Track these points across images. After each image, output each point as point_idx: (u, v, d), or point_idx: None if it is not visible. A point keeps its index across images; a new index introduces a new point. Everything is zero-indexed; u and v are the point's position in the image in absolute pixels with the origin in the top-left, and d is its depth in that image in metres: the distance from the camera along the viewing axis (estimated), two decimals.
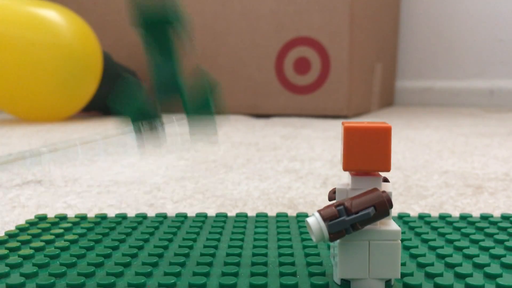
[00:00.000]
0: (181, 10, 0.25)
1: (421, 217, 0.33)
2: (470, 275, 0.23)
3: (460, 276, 0.23)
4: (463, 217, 0.33)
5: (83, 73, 1.10)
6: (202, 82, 0.23)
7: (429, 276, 0.23)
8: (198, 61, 1.36)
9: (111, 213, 0.38)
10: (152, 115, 0.24)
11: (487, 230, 0.29)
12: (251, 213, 0.38)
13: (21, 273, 0.23)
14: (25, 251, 0.26)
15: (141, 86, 0.23)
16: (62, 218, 0.33)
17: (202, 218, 0.33)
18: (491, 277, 0.23)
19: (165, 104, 0.25)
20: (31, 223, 0.32)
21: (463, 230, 0.29)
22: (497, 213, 0.37)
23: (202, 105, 0.23)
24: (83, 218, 0.33)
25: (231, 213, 0.38)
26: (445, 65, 1.74)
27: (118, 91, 0.23)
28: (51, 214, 0.38)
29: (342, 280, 0.22)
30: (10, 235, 0.30)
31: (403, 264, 0.24)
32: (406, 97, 1.80)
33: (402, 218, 0.33)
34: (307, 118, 1.23)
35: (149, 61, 0.23)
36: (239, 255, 0.26)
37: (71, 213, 0.38)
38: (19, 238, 0.29)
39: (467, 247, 0.27)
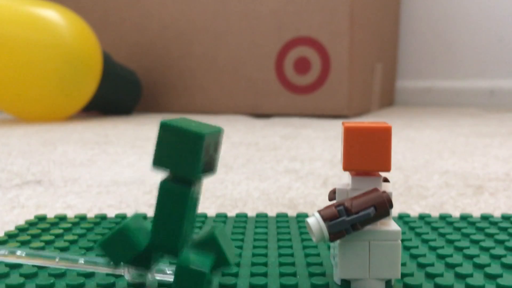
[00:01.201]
0: (216, 159, 0.20)
1: (422, 217, 0.33)
2: (471, 275, 0.23)
3: (460, 276, 0.23)
4: (464, 217, 0.33)
5: (83, 73, 1.10)
6: (202, 266, 0.19)
7: (430, 276, 0.23)
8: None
9: (111, 213, 0.38)
10: (143, 265, 0.20)
11: (487, 230, 0.29)
12: (251, 213, 0.38)
13: (21, 273, 0.23)
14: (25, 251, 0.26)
15: (136, 243, 0.19)
16: (62, 218, 0.33)
17: (202, 218, 0.33)
18: (491, 277, 0.23)
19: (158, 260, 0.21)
20: (30, 224, 0.32)
21: (463, 230, 0.29)
22: (497, 213, 0.37)
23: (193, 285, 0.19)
24: (82, 218, 0.33)
25: (231, 213, 0.38)
26: (445, 65, 1.74)
27: (112, 237, 0.19)
28: (50, 214, 0.38)
29: (342, 280, 0.22)
30: (10, 236, 0.29)
31: (403, 264, 0.24)
32: (406, 97, 1.79)
33: (402, 218, 0.33)
34: (307, 118, 1.23)
35: (155, 211, 0.20)
36: (239, 255, 0.26)
37: (70, 213, 0.38)
38: (19, 238, 0.29)
39: (468, 247, 0.27)
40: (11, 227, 0.35)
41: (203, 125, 0.19)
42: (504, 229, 0.30)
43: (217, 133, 0.20)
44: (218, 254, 0.19)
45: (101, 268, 0.22)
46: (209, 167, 0.19)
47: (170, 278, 0.22)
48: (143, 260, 0.20)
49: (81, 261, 0.22)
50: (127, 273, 0.21)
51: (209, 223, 0.32)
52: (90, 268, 0.22)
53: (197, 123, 0.19)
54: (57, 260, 0.23)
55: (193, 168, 0.18)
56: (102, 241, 0.19)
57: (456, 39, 1.71)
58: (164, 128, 0.19)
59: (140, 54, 1.43)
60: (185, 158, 0.18)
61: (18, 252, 0.23)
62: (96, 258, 0.23)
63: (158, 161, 0.19)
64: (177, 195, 0.19)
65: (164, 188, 0.19)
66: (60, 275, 0.23)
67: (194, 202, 0.20)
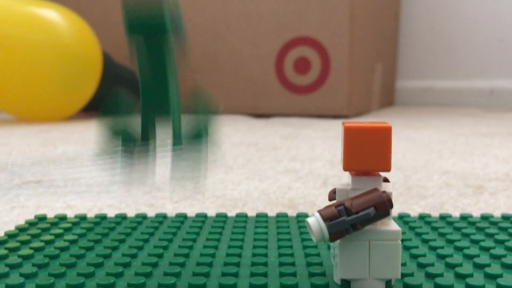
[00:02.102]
0: (179, 15, 0.22)
1: (422, 217, 0.33)
2: (471, 275, 0.23)
3: (460, 276, 0.23)
4: (464, 217, 0.33)
5: (83, 73, 1.10)
6: (199, 106, 0.20)
7: (430, 276, 0.23)
8: (197, 78, 1.36)
9: (111, 213, 0.38)
10: (142, 137, 0.21)
11: (487, 230, 0.29)
12: (251, 213, 0.38)
13: (21, 273, 0.23)
14: (25, 251, 0.26)
15: (133, 104, 0.21)
16: (62, 218, 0.33)
17: (202, 218, 0.33)
18: (491, 277, 0.23)
19: (154, 127, 0.21)
20: (30, 223, 0.32)
21: (463, 230, 0.29)
22: (497, 213, 0.37)
23: (194, 137, 0.20)
24: (82, 218, 0.33)
25: (231, 213, 0.38)
26: (445, 65, 1.74)
27: (107, 107, 0.21)
28: (50, 214, 0.38)
29: (342, 280, 0.22)
30: (10, 235, 0.29)
31: (403, 264, 0.24)
32: (406, 97, 1.79)
33: (402, 218, 0.33)
34: (307, 118, 1.23)
35: (139, 75, 0.20)
36: (239, 255, 0.26)
37: (70, 213, 0.38)
38: (19, 238, 0.29)
39: (468, 247, 0.27)
40: (11, 227, 0.35)
41: None
42: (504, 229, 0.30)
43: None
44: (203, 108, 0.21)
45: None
46: (175, 27, 0.21)
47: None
48: (141, 133, 0.21)
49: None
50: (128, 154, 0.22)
51: (209, 223, 0.32)
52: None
53: None
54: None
55: (163, 20, 0.20)
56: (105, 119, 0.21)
57: (456, 39, 1.71)
58: None
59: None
60: (152, 17, 0.20)
61: None
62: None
63: (129, 29, 0.20)
64: (154, 47, 0.20)
65: (140, 45, 0.20)
66: (60, 275, 0.23)
67: (172, 59, 0.21)
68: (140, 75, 0.20)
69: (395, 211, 0.37)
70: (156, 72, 0.20)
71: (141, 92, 0.20)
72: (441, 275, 0.23)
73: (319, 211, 0.21)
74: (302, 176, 0.52)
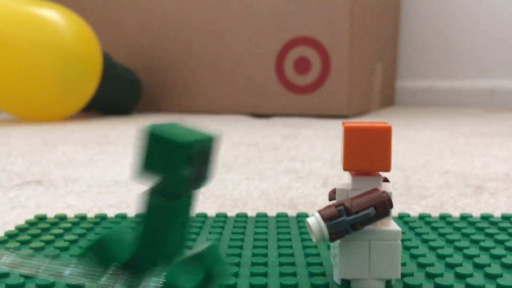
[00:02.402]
0: (211, 160, 0.18)
1: (422, 217, 0.33)
2: (471, 275, 0.23)
3: (460, 276, 0.23)
4: (464, 217, 0.33)
5: (83, 73, 1.10)
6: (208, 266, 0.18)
7: (430, 276, 0.23)
8: (197, 79, 1.37)
9: (111, 213, 0.38)
10: (134, 276, 0.18)
11: (487, 230, 0.29)
12: (251, 213, 0.38)
13: (21, 273, 0.23)
14: (25, 251, 0.26)
15: (114, 253, 0.18)
16: (62, 218, 0.33)
17: (202, 218, 0.33)
18: (491, 277, 0.23)
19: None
20: (30, 223, 0.32)
21: (463, 230, 0.29)
22: (497, 213, 0.37)
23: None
24: (82, 218, 0.33)
25: (231, 213, 0.38)
26: (445, 65, 1.74)
27: (91, 248, 0.18)
28: (50, 214, 0.38)
29: (342, 280, 0.22)
30: (10, 235, 0.29)
31: (403, 264, 0.24)
32: (406, 97, 1.80)
33: (402, 218, 0.33)
34: (307, 118, 1.23)
35: (143, 221, 0.18)
36: (239, 255, 0.26)
37: (71, 213, 0.38)
38: (19, 238, 0.29)
39: (468, 247, 0.27)
40: (11, 227, 0.35)
41: (193, 132, 0.17)
42: (504, 229, 0.30)
43: (208, 141, 0.17)
44: (207, 273, 0.18)
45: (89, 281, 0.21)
46: (199, 180, 0.17)
47: None
48: (133, 270, 0.18)
49: (67, 272, 0.21)
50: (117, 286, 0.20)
51: (209, 223, 0.32)
52: (76, 281, 0.20)
53: (188, 129, 0.17)
54: (41, 270, 0.22)
55: (174, 181, 0.16)
56: (83, 250, 0.18)
57: (456, 39, 1.71)
58: (148, 134, 0.17)
59: (140, 54, 1.43)
60: (166, 169, 0.16)
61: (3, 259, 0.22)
62: (83, 268, 0.21)
63: (140, 171, 0.17)
64: (160, 209, 0.17)
65: (147, 200, 0.17)
66: None
67: (183, 216, 0.18)
68: (139, 223, 0.18)
69: (395, 211, 0.37)
70: (156, 228, 0.17)
71: (136, 241, 0.18)
72: (441, 275, 0.23)
73: (319, 211, 0.21)
74: (302, 176, 0.52)
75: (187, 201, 0.18)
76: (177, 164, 0.16)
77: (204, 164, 0.17)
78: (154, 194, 0.17)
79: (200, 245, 0.19)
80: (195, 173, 0.17)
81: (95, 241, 0.18)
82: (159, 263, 0.18)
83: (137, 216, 0.18)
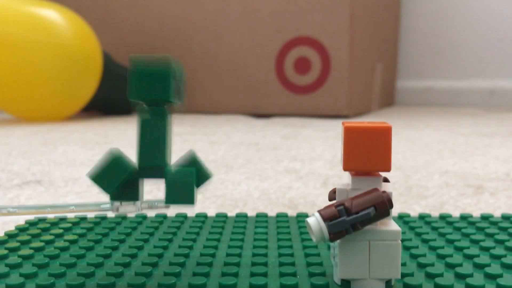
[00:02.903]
0: (183, 82, 0.23)
1: (422, 217, 0.33)
2: (471, 275, 0.23)
3: (460, 276, 0.23)
4: (464, 217, 0.33)
5: (83, 73, 1.10)
6: (188, 173, 0.21)
7: (430, 276, 0.23)
8: (196, 79, 1.36)
9: (111, 213, 0.38)
10: (132, 196, 0.22)
11: (487, 230, 0.29)
12: (251, 213, 0.38)
13: (21, 273, 0.23)
14: (25, 251, 0.26)
15: (126, 165, 0.21)
16: (62, 218, 0.33)
17: (202, 218, 0.33)
18: (491, 277, 0.23)
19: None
20: (30, 224, 0.32)
21: (463, 230, 0.29)
22: (497, 213, 0.37)
23: (183, 198, 0.21)
24: (82, 218, 0.33)
25: (231, 213, 0.38)
26: (445, 65, 1.74)
27: (101, 166, 0.21)
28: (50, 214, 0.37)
29: (342, 280, 0.22)
30: (10, 235, 0.29)
31: (403, 264, 0.24)
32: (406, 97, 1.80)
33: (402, 218, 0.33)
34: (308, 118, 1.23)
35: (139, 137, 0.22)
36: (239, 255, 0.26)
37: (71, 213, 0.38)
38: (19, 238, 0.29)
39: (468, 247, 0.27)
40: (11, 227, 0.35)
41: (164, 57, 0.22)
42: (504, 229, 0.30)
43: (177, 63, 0.22)
44: (199, 168, 0.22)
45: (91, 209, 0.24)
46: (178, 94, 0.22)
47: (157, 207, 0.24)
48: (131, 189, 0.22)
49: (72, 207, 0.24)
50: (115, 209, 0.24)
51: (209, 223, 0.32)
52: (81, 211, 0.24)
53: (161, 56, 0.22)
54: (48, 209, 0.25)
55: (168, 91, 0.21)
56: (95, 172, 0.22)
57: (456, 39, 1.71)
58: (135, 64, 0.21)
59: (140, 54, 1.42)
60: (158, 87, 0.21)
61: (9, 209, 0.25)
62: (86, 203, 0.25)
63: (134, 94, 0.21)
64: (157, 116, 0.21)
65: (144, 114, 0.21)
66: (60, 275, 0.23)
67: (170, 126, 0.22)
68: (139, 137, 0.21)
69: (395, 211, 0.37)
70: (155, 136, 0.21)
71: (138, 154, 0.21)
72: (441, 275, 0.23)
73: (319, 211, 0.21)
74: (302, 176, 0.52)
75: (170, 118, 0.22)
76: (168, 79, 0.21)
77: (179, 82, 0.22)
78: (148, 112, 0.22)
79: (184, 157, 0.22)
80: (176, 88, 0.22)
81: (111, 158, 0.21)
82: (160, 168, 0.21)
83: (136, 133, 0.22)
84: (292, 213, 0.38)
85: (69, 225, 0.31)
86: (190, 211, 0.39)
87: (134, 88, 0.21)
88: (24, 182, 0.49)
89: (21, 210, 0.24)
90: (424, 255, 0.25)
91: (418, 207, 0.40)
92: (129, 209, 0.24)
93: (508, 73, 1.66)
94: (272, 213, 0.38)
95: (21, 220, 0.37)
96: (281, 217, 0.33)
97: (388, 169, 0.21)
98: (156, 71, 0.21)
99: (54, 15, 1.07)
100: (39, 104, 1.10)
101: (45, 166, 0.58)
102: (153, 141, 0.21)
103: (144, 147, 0.21)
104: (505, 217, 0.32)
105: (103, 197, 0.43)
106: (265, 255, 0.26)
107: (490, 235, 0.29)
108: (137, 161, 0.21)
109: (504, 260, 0.24)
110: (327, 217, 0.20)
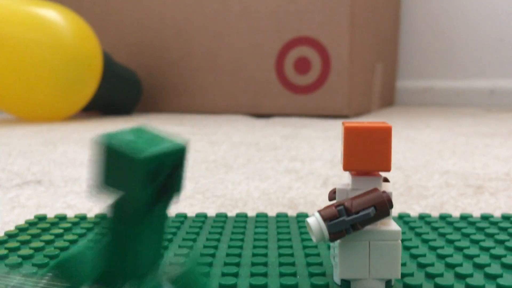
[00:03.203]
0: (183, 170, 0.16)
1: (422, 217, 0.33)
2: (471, 275, 0.23)
3: (460, 276, 0.23)
4: (464, 217, 0.33)
5: (83, 73, 1.10)
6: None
7: (430, 276, 0.23)
8: (197, 79, 1.36)
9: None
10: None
11: (487, 230, 0.29)
12: (251, 213, 0.38)
13: (21, 274, 0.23)
14: (25, 251, 0.26)
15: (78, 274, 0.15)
16: (62, 218, 0.33)
17: (202, 218, 0.33)
18: (491, 277, 0.23)
19: None
20: (30, 223, 0.32)
21: (463, 230, 0.29)
22: (497, 213, 0.37)
23: None
24: (82, 218, 0.33)
25: (231, 213, 0.38)
26: (445, 65, 1.74)
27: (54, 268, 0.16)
28: (50, 214, 0.38)
29: (342, 280, 0.22)
30: (10, 235, 0.29)
31: (403, 264, 0.24)
32: (406, 97, 1.79)
33: (402, 218, 0.33)
34: (308, 118, 1.23)
35: (110, 233, 0.15)
36: (239, 255, 0.26)
37: (71, 213, 0.38)
38: (19, 238, 0.29)
39: (468, 247, 0.27)
40: (11, 227, 0.35)
41: (157, 141, 0.15)
42: (504, 229, 0.30)
43: (176, 151, 0.15)
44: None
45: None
46: (166, 194, 0.15)
47: None
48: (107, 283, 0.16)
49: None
50: None
51: (209, 223, 0.32)
52: None
53: (153, 137, 0.15)
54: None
55: (134, 198, 0.14)
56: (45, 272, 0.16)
57: (456, 39, 1.71)
58: (103, 146, 0.14)
59: (140, 54, 1.43)
60: (125, 186, 0.14)
61: None
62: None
63: (98, 188, 0.15)
64: (123, 234, 0.15)
65: (107, 225, 0.15)
66: None
67: (153, 234, 0.16)
68: (109, 243, 0.15)
69: (395, 211, 0.37)
70: (129, 245, 0.15)
71: (101, 260, 0.16)
72: (441, 275, 0.23)
73: (319, 211, 0.21)
74: (303, 176, 0.52)
75: (157, 218, 0.16)
76: (134, 181, 0.14)
77: (171, 177, 0.15)
78: (114, 217, 0.15)
79: (174, 268, 0.17)
80: (160, 188, 0.15)
81: (54, 265, 0.16)
82: (131, 279, 0.16)
83: (100, 233, 0.15)
84: (292, 213, 0.38)
85: (69, 225, 0.31)
86: (190, 211, 0.39)
87: (99, 176, 0.15)
88: (24, 182, 0.49)
89: None
90: (424, 255, 0.25)
91: (418, 207, 0.40)
92: None
93: (508, 73, 1.66)
94: (272, 213, 0.38)
95: (20, 220, 0.37)
96: (281, 217, 0.33)
97: (388, 169, 0.21)
98: (124, 166, 0.14)
99: (54, 15, 1.07)
100: (39, 104, 1.10)
101: (45, 166, 0.58)
102: (121, 251, 0.15)
103: (109, 253, 0.15)
104: (505, 217, 0.32)
105: (103, 198, 0.43)
106: (265, 255, 0.26)
107: (490, 235, 0.29)
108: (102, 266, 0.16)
109: (504, 260, 0.24)
110: (327, 217, 0.20)
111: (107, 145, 0.14)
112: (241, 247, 0.27)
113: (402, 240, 0.27)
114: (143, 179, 0.14)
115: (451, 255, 0.25)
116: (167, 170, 0.15)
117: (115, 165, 0.14)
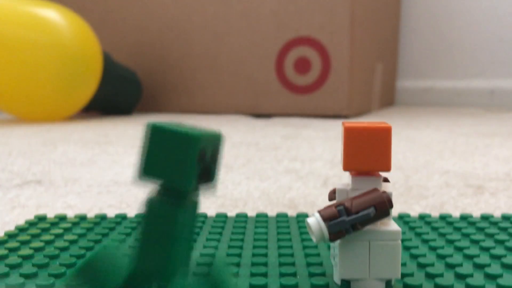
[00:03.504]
0: (216, 163, 0.17)
1: (422, 217, 0.33)
2: (471, 276, 0.23)
3: (460, 277, 0.23)
4: (464, 218, 0.33)
5: (83, 73, 1.10)
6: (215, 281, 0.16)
7: (430, 276, 0.23)
8: (197, 78, 1.36)
9: (111, 213, 0.38)
10: None
11: (487, 231, 0.29)
12: (251, 213, 0.38)
13: (21, 274, 0.23)
14: (25, 251, 0.26)
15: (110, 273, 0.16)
16: (62, 218, 0.33)
17: (202, 218, 0.33)
18: (491, 277, 0.23)
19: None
20: (30, 223, 0.32)
21: (463, 231, 0.29)
22: (497, 213, 0.37)
23: None
24: (82, 218, 0.33)
25: (231, 213, 0.38)
26: (445, 65, 1.74)
27: (94, 259, 0.16)
28: (51, 214, 0.38)
29: (342, 280, 0.22)
30: (10, 235, 0.29)
31: (403, 264, 0.24)
32: (406, 97, 1.79)
33: (402, 218, 0.33)
34: (308, 118, 1.23)
35: (141, 233, 0.16)
36: (239, 255, 0.26)
37: (71, 213, 0.38)
38: (19, 238, 0.29)
39: (468, 247, 0.27)
40: (11, 227, 0.35)
41: (199, 129, 0.16)
42: (504, 229, 0.30)
43: (216, 138, 0.16)
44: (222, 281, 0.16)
45: None
46: (206, 178, 0.16)
47: None
48: None
49: None
50: None
51: (209, 223, 0.32)
52: None
53: (191, 126, 0.16)
54: None
55: (185, 177, 0.15)
56: (70, 276, 0.16)
57: (456, 39, 1.71)
58: (153, 131, 0.15)
59: (140, 54, 1.43)
60: (175, 166, 0.15)
61: None
62: None
63: (145, 171, 0.15)
64: (166, 212, 0.16)
65: (152, 205, 0.16)
66: (60, 275, 0.23)
67: (189, 220, 0.16)
68: (141, 232, 0.16)
69: (395, 211, 0.37)
70: (161, 235, 0.16)
71: (136, 254, 0.16)
72: (441, 275, 0.23)
73: (319, 211, 0.21)
74: (303, 176, 0.52)
75: (192, 208, 0.16)
76: (187, 159, 0.15)
77: (211, 161, 0.16)
78: (157, 200, 0.16)
79: (205, 264, 0.17)
80: (203, 170, 0.16)
81: (84, 265, 0.16)
82: (161, 282, 0.16)
83: (137, 228, 0.15)
84: (292, 213, 0.38)
85: (69, 225, 0.31)
86: None
87: (146, 163, 0.15)
88: (24, 182, 0.49)
89: None
90: (424, 255, 0.25)
91: (418, 207, 0.40)
92: None
93: (508, 73, 1.66)
94: (272, 213, 0.38)
95: (20, 220, 0.37)
96: (281, 217, 0.33)
97: (388, 169, 0.21)
98: (179, 143, 0.15)
99: (54, 15, 1.07)
100: (39, 104, 1.10)
101: (45, 166, 0.58)
102: (159, 241, 0.16)
103: (145, 247, 0.16)
104: (505, 217, 0.32)
105: (103, 198, 0.43)
106: (265, 255, 0.26)
107: (490, 235, 0.29)
108: (136, 261, 0.16)
109: (504, 260, 0.24)
110: (327, 217, 0.20)
111: (161, 128, 0.15)
112: (241, 247, 0.27)
113: (402, 240, 0.27)
114: (196, 158, 0.15)
115: (451, 255, 0.25)
116: (209, 155, 0.16)
117: (168, 146, 0.15)
